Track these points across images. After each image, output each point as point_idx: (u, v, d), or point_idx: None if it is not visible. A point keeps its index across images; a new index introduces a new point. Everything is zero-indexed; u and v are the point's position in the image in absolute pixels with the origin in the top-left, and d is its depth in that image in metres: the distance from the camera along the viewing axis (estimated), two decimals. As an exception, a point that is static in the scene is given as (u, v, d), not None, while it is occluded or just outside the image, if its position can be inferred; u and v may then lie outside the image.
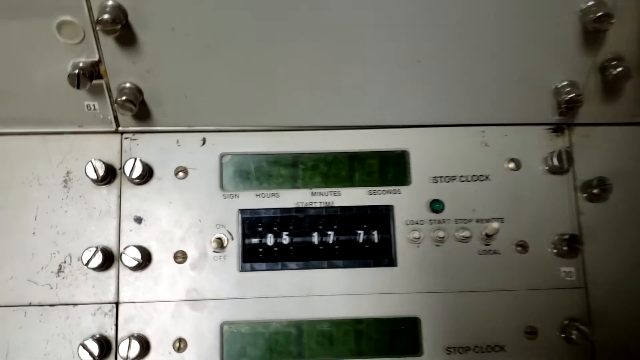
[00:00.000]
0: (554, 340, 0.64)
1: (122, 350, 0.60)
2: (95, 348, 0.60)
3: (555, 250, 0.65)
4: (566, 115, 0.66)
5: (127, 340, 0.60)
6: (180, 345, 0.62)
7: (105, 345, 0.61)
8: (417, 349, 0.63)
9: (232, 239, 0.64)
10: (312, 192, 0.66)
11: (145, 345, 0.61)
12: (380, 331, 0.64)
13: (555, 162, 0.65)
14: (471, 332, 0.64)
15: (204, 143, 0.66)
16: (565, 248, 0.64)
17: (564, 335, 0.64)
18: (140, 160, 0.63)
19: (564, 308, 0.64)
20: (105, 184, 0.65)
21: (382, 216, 0.65)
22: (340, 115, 0.66)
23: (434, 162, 0.67)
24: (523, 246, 0.65)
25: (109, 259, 0.63)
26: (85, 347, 0.60)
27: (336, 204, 0.66)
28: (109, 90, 0.62)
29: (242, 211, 0.65)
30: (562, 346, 0.64)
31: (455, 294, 0.64)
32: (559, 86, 0.64)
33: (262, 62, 0.61)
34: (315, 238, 0.65)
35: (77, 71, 0.58)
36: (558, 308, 0.64)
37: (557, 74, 0.63)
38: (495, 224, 0.62)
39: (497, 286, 0.64)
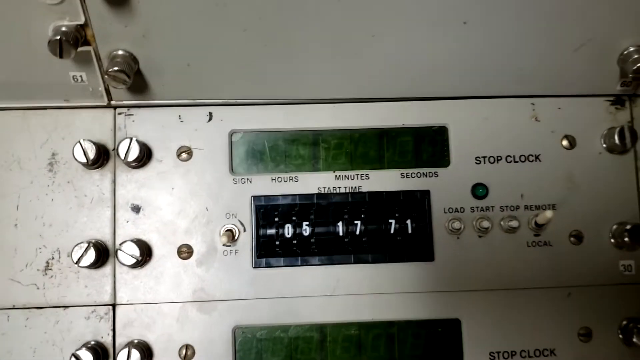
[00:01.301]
0: (611, 342, 0.57)
1: (121, 359, 0.52)
2: (89, 358, 0.52)
3: (613, 241, 0.57)
4: (630, 86, 0.57)
5: (127, 349, 0.52)
6: (187, 352, 0.55)
7: (102, 353, 0.53)
8: (457, 355, 0.56)
9: (245, 230, 0.56)
10: (336, 176, 0.57)
11: (147, 353, 0.54)
12: (415, 335, 0.56)
13: (616, 139, 0.57)
14: (518, 335, 0.56)
15: (210, 119, 0.57)
16: (625, 239, 0.56)
17: (622, 337, 0.57)
18: (137, 140, 0.54)
19: (623, 306, 0.57)
20: (96, 168, 0.56)
21: (417, 203, 0.57)
22: (368, 85, 0.57)
23: (476, 140, 0.58)
24: (578, 236, 0.57)
25: (104, 255, 0.55)
26: (77, 357, 0.52)
27: (364, 189, 0.57)
28: (99, 59, 0.52)
29: (255, 198, 0.56)
30: (620, 349, 0.57)
31: (501, 292, 0.57)
32: (626, 52, 0.54)
33: (278, 22, 0.51)
34: (340, 229, 0.56)
35: (59, 37, 0.48)
36: (616, 306, 0.57)
37: (625, 37, 0.54)
38: (548, 213, 0.54)
39: (548, 282, 0.57)
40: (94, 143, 0.54)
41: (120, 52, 0.52)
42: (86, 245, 0.53)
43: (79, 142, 0.54)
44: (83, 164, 0.55)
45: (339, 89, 0.57)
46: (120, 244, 0.53)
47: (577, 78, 0.58)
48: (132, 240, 0.53)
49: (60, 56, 0.49)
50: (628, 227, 0.56)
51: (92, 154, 0.54)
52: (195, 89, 0.56)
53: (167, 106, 0.57)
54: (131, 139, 0.54)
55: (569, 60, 0.56)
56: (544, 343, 0.56)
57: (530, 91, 0.58)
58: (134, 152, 0.54)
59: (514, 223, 0.56)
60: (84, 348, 0.52)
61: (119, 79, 0.51)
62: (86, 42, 0.51)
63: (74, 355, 0.52)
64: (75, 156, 0.54)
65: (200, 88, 0.56)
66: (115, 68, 0.50)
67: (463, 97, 0.58)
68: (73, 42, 0.49)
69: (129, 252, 0.53)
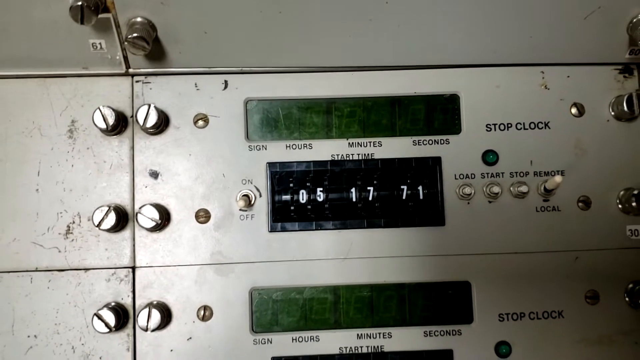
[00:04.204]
0: (617, 305, 0.58)
1: (142, 319, 0.54)
2: (111, 318, 0.53)
3: (621, 207, 0.59)
4: (639, 54, 0.58)
5: (147, 309, 0.54)
6: (206, 313, 0.56)
7: (122, 314, 0.55)
8: (467, 316, 0.57)
9: (260, 195, 0.57)
10: (349, 143, 0.58)
11: (166, 314, 0.55)
12: (426, 297, 0.58)
13: (624, 106, 0.58)
14: (527, 297, 0.58)
15: (226, 87, 0.58)
16: (633, 204, 0.57)
17: (628, 300, 0.58)
18: (155, 106, 0.55)
19: (630, 270, 0.58)
20: (115, 134, 0.57)
21: (428, 169, 0.58)
22: (380, 54, 0.58)
23: (487, 108, 0.59)
24: (586, 202, 0.58)
25: (123, 219, 0.56)
26: (100, 317, 0.53)
27: (376, 156, 0.58)
28: (117, 26, 0.53)
29: (270, 164, 0.57)
30: (626, 312, 0.58)
31: (510, 256, 0.58)
32: (635, 19, 0.55)
33: (293, -10, 0.52)
34: (353, 194, 0.58)
35: (80, 3, 0.49)
36: (622, 270, 0.58)
37: (635, 5, 0.55)
38: (557, 178, 0.55)
39: (556, 246, 0.58)
40: (113, 109, 0.55)
41: (139, 20, 0.53)
42: (107, 208, 0.54)
43: (99, 108, 0.55)
44: (102, 130, 0.56)
45: (352, 56, 0.58)
46: (140, 208, 0.54)
47: (586, 46, 0.58)
48: (151, 204, 0.55)
49: (82, 22, 0.50)
50: (635, 192, 0.57)
51: (111, 120, 0.55)
52: (212, 57, 0.57)
53: (184, 74, 0.58)
54: (149, 106, 0.55)
55: (578, 28, 0.56)
56: (552, 305, 0.58)
57: (540, 59, 0.59)
58: (152, 118, 0.55)
59: (524, 188, 0.57)
60: (105, 308, 0.54)
61: (138, 45, 0.52)
62: (106, 9, 0.52)
63: (96, 314, 0.53)
64: (95, 122, 0.55)
65: (216, 55, 0.57)
66: (135, 34, 0.51)
67: (474, 65, 0.59)
68: (94, 9, 0.50)
69: (149, 216, 0.54)
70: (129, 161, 0.57)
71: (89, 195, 0.57)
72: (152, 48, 0.53)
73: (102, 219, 0.54)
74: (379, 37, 0.56)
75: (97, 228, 0.54)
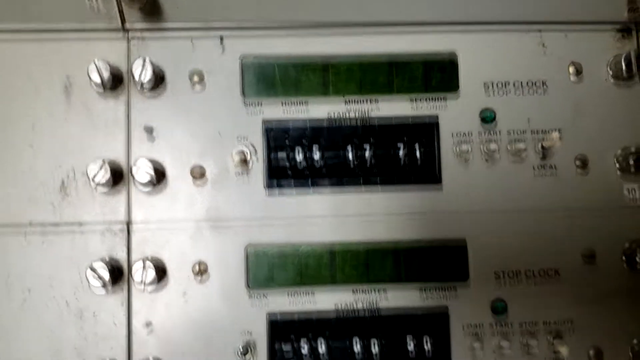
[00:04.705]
0: (614, 264, 0.58)
1: (137, 275, 0.54)
2: (105, 272, 0.53)
3: (618, 166, 0.58)
4: (637, 12, 0.58)
5: (142, 264, 0.54)
6: (201, 269, 0.56)
7: (117, 269, 0.55)
8: (463, 274, 0.57)
9: (256, 153, 0.57)
10: (345, 101, 0.58)
11: (161, 270, 0.55)
12: (421, 255, 0.57)
13: (623, 65, 0.57)
14: (523, 255, 0.57)
15: (222, 43, 0.58)
16: (631, 162, 0.57)
17: (624, 259, 0.57)
18: (151, 60, 0.54)
19: (626, 230, 0.58)
20: (111, 90, 0.57)
21: (425, 128, 0.58)
22: (378, 10, 0.58)
23: (485, 67, 0.59)
24: (583, 161, 0.58)
25: (118, 175, 0.56)
26: (94, 271, 0.53)
27: (373, 115, 0.58)
28: (113, -22, 0.53)
29: (266, 122, 0.57)
30: (622, 271, 0.58)
31: (507, 214, 0.57)
32: (633, -25, 0.55)
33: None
34: (349, 153, 0.57)
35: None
36: (620, 230, 0.58)
37: (633, -40, 0.54)
38: (555, 134, 0.55)
39: (553, 205, 0.58)
40: (109, 64, 0.55)
41: (134, -29, 0.52)
42: (101, 162, 0.54)
43: (94, 61, 0.54)
44: (97, 85, 0.55)
45: (349, 12, 0.58)
46: (135, 161, 0.54)
47: (584, 5, 0.58)
48: (146, 158, 0.54)
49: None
50: (632, 149, 0.57)
51: (106, 74, 0.54)
52: (208, 12, 0.57)
53: (180, 29, 0.58)
54: (145, 59, 0.55)
55: (576, -15, 0.56)
56: (548, 264, 0.57)
57: (538, 17, 0.59)
58: (148, 73, 0.55)
59: (521, 145, 0.57)
60: (99, 262, 0.54)
61: (133, -4, 0.51)
62: (101, -40, 0.51)
63: (90, 268, 0.53)
64: (90, 76, 0.54)
65: (212, 10, 0.56)
66: (130, -15, 0.51)
67: (471, 22, 0.59)
68: (88, -43, 0.49)
69: (144, 169, 0.54)
70: (124, 118, 0.57)
71: (84, 151, 0.56)
72: (147, 2, 0.53)
73: (97, 173, 0.54)
74: (376, -7, 0.56)
75: (92, 182, 0.54)
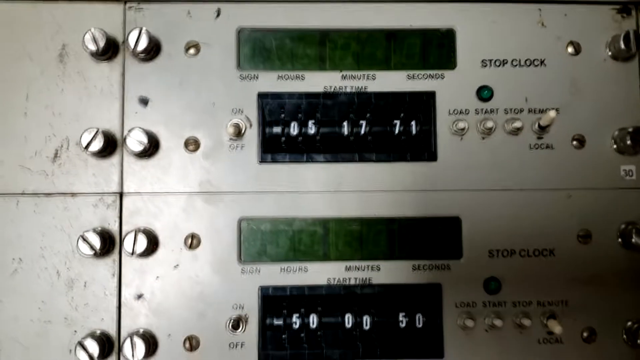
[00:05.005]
0: (609, 244, 0.57)
1: (128, 244, 0.53)
2: (96, 241, 0.53)
3: (615, 146, 0.58)
4: (637, -9, 0.57)
5: (133, 234, 0.53)
6: (193, 241, 0.55)
7: (109, 239, 0.54)
8: (456, 252, 0.56)
9: (251, 126, 0.57)
10: (342, 75, 0.57)
11: (152, 241, 0.54)
12: (415, 232, 0.57)
13: (621, 44, 0.57)
14: (518, 234, 0.57)
15: (218, 15, 0.57)
16: (628, 142, 0.57)
17: (620, 240, 0.57)
18: (147, 30, 0.54)
19: (622, 210, 0.58)
20: (106, 60, 0.56)
21: (422, 104, 0.57)
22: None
23: (483, 44, 0.58)
24: (580, 140, 0.58)
25: (112, 144, 0.55)
26: (85, 239, 0.53)
27: (370, 90, 0.57)
28: (109, -55, 0.52)
29: (261, 95, 0.57)
30: (618, 251, 0.57)
31: (502, 192, 0.57)
32: (634, -48, 0.54)
33: None
34: (345, 128, 0.57)
35: None
36: (615, 210, 0.58)
37: (634, -63, 0.54)
38: (552, 113, 0.54)
39: (549, 184, 0.57)
40: (105, 32, 0.54)
41: (131, -62, 0.52)
42: (95, 130, 0.53)
43: (90, 30, 0.54)
44: (93, 53, 0.55)
45: (347, -13, 0.57)
46: (129, 131, 0.54)
47: (584, -17, 0.58)
48: (140, 128, 0.54)
49: None
50: (630, 129, 0.56)
51: (102, 42, 0.54)
52: (205, -18, 0.56)
53: (177, 1, 0.57)
54: (141, 29, 0.54)
55: (576, -38, 0.56)
56: (543, 243, 0.57)
57: (538, -5, 0.58)
58: (144, 42, 0.54)
59: (518, 124, 0.56)
60: (91, 231, 0.53)
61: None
62: None
63: (81, 237, 0.53)
64: (86, 44, 0.54)
65: (210, -19, 0.56)
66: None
67: (470, 0, 0.58)
68: None
69: (137, 139, 0.54)
70: (119, 87, 0.56)
71: (78, 120, 0.56)
72: (144, -29, 0.52)
73: (90, 141, 0.53)
74: (375, -33, 0.55)
75: (85, 152, 0.54)
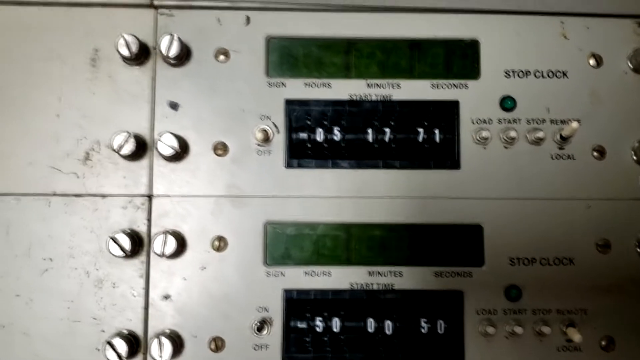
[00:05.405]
0: (628, 255, 0.58)
1: (157, 246, 0.54)
2: (126, 242, 0.54)
3: (635, 158, 0.59)
4: (659, 6, 0.58)
5: (163, 236, 0.54)
6: (220, 244, 0.56)
7: (137, 241, 0.55)
8: (478, 259, 0.57)
9: (278, 132, 0.58)
10: (367, 84, 0.59)
11: (180, 243, 0.55)
12: (438, 238, 0.58)
13: (643, 59, 0.58)
14: (538, 242, 0.58)
15: (248, 22, 0.59)
16: (648, 155, 0.57)
17: (639, 251, 0.58)
18: (179, 37, 0.55)
19: (642, 221, 0.58)
20: (137, 64, 0.57)
21: (446, 113, 0.58)
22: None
23: (506, 54, 0.59)
24: (600, 151, 0.58)
25: (142, 148, 0.56)
26: (115, 240, 0.54)
27: (394, 98, 0.58)
28: (144, -47, 0.53)
29: (289, 102, 0.58)
30: (637, 261, 0.58)
31: (523, 201, 0.58)
32: (657, -32, 0.55)
33: None
34: (370, 135, 0.58)
35: None
36: (635, 221, 0.58)
37: (657, -47, 0.55)
38: (574, 124, 0.55)
39: (570, 194, 0.58)
40: (137, 38, 0.55)
41: (166, -54, 0.53)
42: (127, 134, 0.54)
43: (122, 35, 0.55)
44: (125, 58, 0.56)
45: (374, -3, 0.58)
46: (160, 135, 0.55)
47: (607, -4, 0.59)
48: (171, 133, 0.55)
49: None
50: (650, 142, 0.57)
51: (134, 48, 0.55)
52: (236, -10, 0.57)
53: (207, 7, 0.58)
54: (173, 35, 0.55)
55: (600, -23, 0.57)
56: (563, 252, 0.58)
57: (560, 8, 0.59)
58: (175, 48, 0.55)
59: (540, 134, 0.57)
60: (121, 232, 0.54)
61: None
62: None
63: (111, 238, 0.54)
64: (118, 48, 0.55)
65: (240, -11, 0.57)
66: (162, -40, 0.52)
67: (495, 10, 0.59)
68: None
69: (168, 143, 0.55)
70: (149, 91, 0.58)
71: (109, 123, 0.57)
72: (177, -22, 0.54)
73: (123, 145, 0.54)
74: (402, -22, 0.56)
75: (115, 155, 0.55)
